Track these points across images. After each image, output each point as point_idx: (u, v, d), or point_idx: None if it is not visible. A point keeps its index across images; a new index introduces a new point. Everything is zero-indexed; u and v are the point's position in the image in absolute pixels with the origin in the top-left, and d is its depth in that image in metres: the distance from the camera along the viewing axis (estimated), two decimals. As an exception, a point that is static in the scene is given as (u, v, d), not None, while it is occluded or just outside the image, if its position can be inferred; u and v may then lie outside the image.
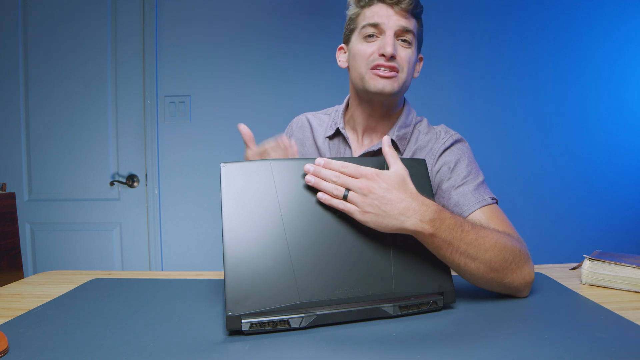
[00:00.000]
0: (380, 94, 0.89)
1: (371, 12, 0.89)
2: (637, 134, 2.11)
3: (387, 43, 0.87)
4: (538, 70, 2.09)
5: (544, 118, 2.10)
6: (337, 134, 1.01)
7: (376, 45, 0.89)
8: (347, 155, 0.99)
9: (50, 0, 2.07)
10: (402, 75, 0.90)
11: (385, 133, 0.97)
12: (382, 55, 0.87)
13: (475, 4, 2.08)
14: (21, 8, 2.07)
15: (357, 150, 0.98)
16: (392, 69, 0.88)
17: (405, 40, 0.89)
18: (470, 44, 2.08)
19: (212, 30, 2.09)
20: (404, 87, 0.92)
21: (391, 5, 0.88)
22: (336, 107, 1.08)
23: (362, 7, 0.91)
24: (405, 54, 0.89)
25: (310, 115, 1.11)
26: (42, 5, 2.08)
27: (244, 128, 0.84)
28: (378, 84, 0.88)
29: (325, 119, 1.07)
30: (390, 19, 0.87)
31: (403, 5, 0.87)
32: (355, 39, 0.93)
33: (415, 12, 0.89)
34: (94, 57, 2.08)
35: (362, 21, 0.91)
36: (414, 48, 0.91)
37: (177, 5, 2.09)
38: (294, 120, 1.13)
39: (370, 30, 0.89)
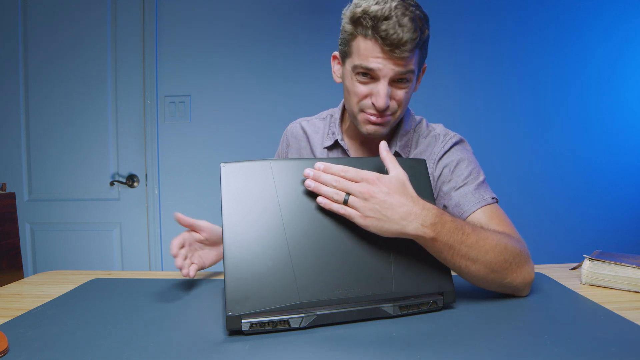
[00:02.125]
0: (371, 135, 0.88)
1: (366, 47, 0.79)
2: (637, 134, 2.11)
3: (379, 95, 0.80)
4: (538, 70, 2.09)
5: (544, 118, 2.10)
6: (336, 145, 0.99)
7: (369, 89, 0.82)
8: None
9: (50, 0, 2.07)
10: (397, 114, 0.87)
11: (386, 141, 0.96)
12: (374, 105, 0.83)
13: (475, 4, 2.07)
14: (21, 8, 2.07)
15: None
16: (384, 117, 0.85)
17: (402, 80, 0.82)
18: (470, 44, 2.08)
19: (212, 30, 2.09)
20: (397, 120, 0.89)
21: (388, 51, 0.77)
22: (330, 110, 1.06)
23: (358, 33, 0.80)
24: (401, 94, 0.83)
25: (304, 122, 1.07)
26: (42, 5, 2.08)
27: (180, 216, 0.85)
28: (369, 128, 0.87)
29: (320, 125, 1.04)
30: (386, 66, 0.79)
31: (398, 53, 0.77)
32: (348, 68, 0.85)
33: (416, 48, 0.79)
34: (94, 57, 2.08)
35: (355, 55, 0.81)
36: (411, 83, 0.84)
37: (177, 5, 2.09)
38: (288, 129, 1.10)
39: (364, 77, 0.82)
